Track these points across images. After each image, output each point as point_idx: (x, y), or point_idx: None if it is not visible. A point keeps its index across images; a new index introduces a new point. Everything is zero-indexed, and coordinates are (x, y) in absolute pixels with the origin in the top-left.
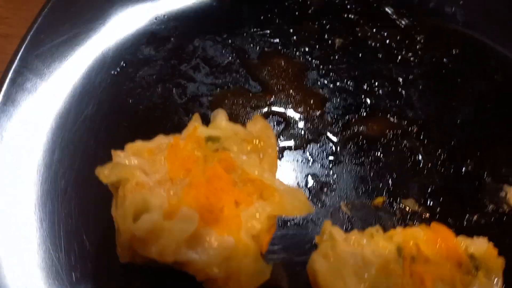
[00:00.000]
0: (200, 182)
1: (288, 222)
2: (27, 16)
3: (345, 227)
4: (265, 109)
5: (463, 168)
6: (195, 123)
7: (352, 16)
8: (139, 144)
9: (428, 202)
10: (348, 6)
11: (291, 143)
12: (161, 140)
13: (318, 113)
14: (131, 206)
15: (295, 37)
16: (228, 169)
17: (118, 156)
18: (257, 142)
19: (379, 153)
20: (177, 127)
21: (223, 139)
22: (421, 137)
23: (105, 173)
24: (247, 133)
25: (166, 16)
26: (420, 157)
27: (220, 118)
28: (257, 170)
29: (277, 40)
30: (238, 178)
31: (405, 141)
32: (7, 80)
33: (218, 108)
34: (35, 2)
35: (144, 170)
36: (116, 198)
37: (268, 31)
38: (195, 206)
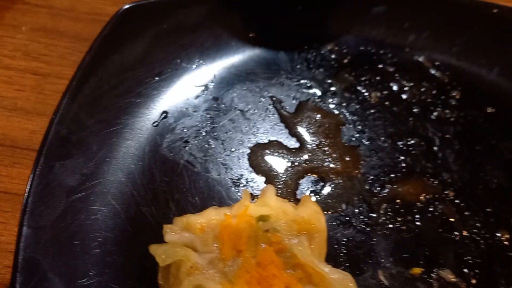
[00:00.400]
0: (251, 265)
1: None
2: (64, 54)
3: None
4: (303, 167)
5: (497, 237)
6: (246, 202)
7: (388, 68)
8: (189, 218)
9: (464, 272)
10: (383, 57)
11: (327, 204)
12: (211, 215)
13: (354, 173)
14: None
15: (331, 89)
16: (278, 252)
17: (170, 233)
18: (306, 224)
19: (415, 218)
20: (218, 182)
21: (273, 219)
22: (456, 202)
23: (162, 257)
24: (297, 214)
25: (204, 63)
26: (455, 224)
27: (270, 195)
28: (307, 256)
29: (313, 91)
30: (287, 261)
31: (440, 206)
32: (51, 132)
33: (268, 185)
34: (70, 38)
35: (196, 248)
36: (163, 270)
37: (304, 81)
38: None
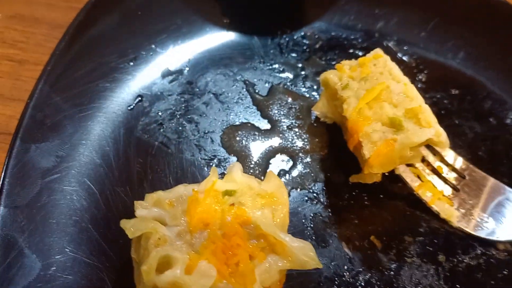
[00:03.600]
0: (217, 237)
1: None
2: (41, 41)
3: (347, 267)
4: (274, 147)
5: None
6: (213, 178)
7: (358, 52)
8: (159, 194)
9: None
10: (354, 42)
11: (297, 182)
12: (180, 191)
13: (323, 153)
14: (155, 261)
15: (302, 73)
16: (243, 224)
17: (140, 208)
18: (270, 198)
19: (381, 195)
20: (191, 163)
21: (238, 193)
22: None
23: (131, 230)
24: (261, 188)
25: (180, 49)
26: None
27: (236, 171)
28: (270, 227)
29: (285, 75)
30: (251, 232)
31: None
32: (27, 116)
33: (235, 162)
34: (46, 25)
35: (165, 222)
36: (135, 244)
37: (277, 66)
38: (213, 260)
